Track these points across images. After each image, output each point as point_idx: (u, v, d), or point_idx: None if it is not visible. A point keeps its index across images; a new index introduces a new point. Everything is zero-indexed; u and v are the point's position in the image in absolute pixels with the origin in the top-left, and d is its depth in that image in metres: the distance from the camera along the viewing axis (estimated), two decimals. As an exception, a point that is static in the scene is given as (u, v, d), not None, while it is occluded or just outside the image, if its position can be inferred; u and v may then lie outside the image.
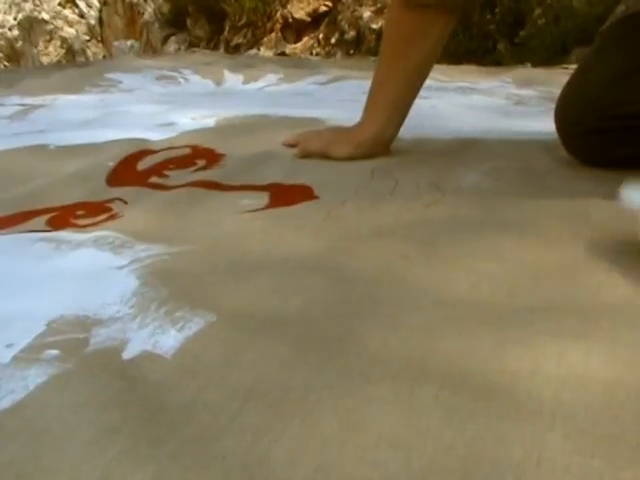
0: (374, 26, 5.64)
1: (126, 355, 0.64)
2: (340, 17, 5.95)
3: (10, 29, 8.77)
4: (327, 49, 5.95)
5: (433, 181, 1.09)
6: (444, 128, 1.42)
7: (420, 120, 1.55)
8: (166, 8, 7.08)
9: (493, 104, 1.85)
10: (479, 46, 3.83)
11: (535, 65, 3.04)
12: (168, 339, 0.66)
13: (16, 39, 8.70)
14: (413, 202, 1.00)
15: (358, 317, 0.69)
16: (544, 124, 1.32)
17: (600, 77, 1.13)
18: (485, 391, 0.57)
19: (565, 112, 1.17)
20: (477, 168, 1.16)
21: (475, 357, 0.62)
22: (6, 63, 8.75)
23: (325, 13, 6.14)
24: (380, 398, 0.57)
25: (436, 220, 0.94)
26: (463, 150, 1.28)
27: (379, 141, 1.27)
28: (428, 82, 2.09)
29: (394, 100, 1.28)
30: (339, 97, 1.88)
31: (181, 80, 2.19)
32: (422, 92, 1.93)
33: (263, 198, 1.04)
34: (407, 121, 1.50)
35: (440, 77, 2.16)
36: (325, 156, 1.24)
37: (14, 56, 8.75)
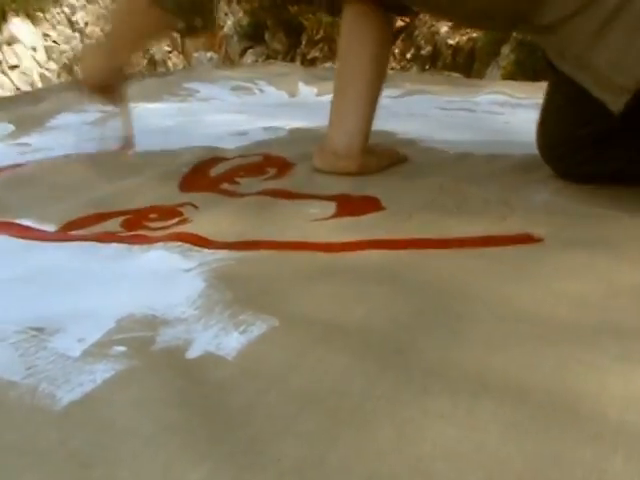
0: (451, 42, 5.62)
1: (190, 355, 0.65)
2: (416, 32, 5.95)
3: (97, 40, 9.05)
4: (403, 64, 5.95)
5: (502, 197, 1.08)
6: (516, 144, 1.40)
7: (492, 136, 1.54)
8: (245, 22, 7.22)
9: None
10: (557, 63, 3.77)
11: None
12: (231, 341, 0.67)
13: (101, 49, 8.96)
14: (480, 217, 1.00)
15: (419, 328, 0.69)
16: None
17: (556, 106, 1.22)
18: (546, 409, 0.56)
19: (538, 138, 1.24)
20: (548, 186, 1.14)
21: (537, 374, 0.61)
22: (91, 72, 9.00)
23: (401, 28, 6.15)
24: (438, 410, 0.56)
25: (503, 236, 0.93)
26: (535, 167, 1.26)
27: (331, 152, 1.26)
28: (502, 98, 2.09)
29: (334, 109, 1.28)
30: (411, 111, 1.88)
31: (256, 91, 2.23)
32: (496, 108, 1.93)
33: (330, 208, 1.05)
34: (477, 136, 1.50)
35: (515, 93, 2.13)
36: None
37: (99, 65, 9.00)
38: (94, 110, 1.75)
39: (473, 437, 0.53)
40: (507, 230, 0.95)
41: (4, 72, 9.35)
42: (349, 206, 1.06)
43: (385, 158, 1.30)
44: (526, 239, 0.91)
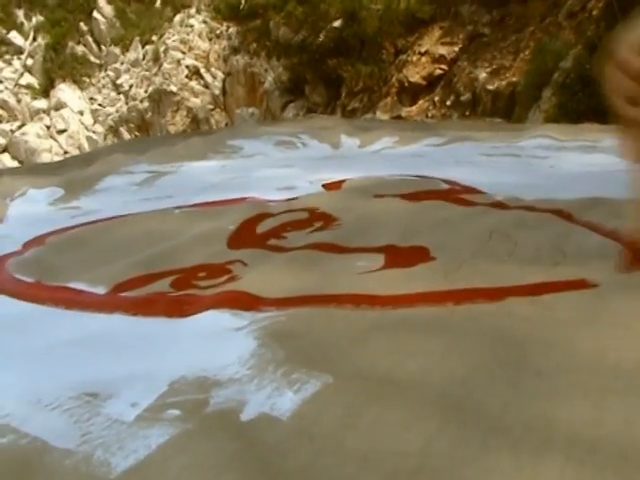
0: (490, 87, 5.64)
1: (244, 417, 0.64)
2: (455, 79, 5.98)
3: (141, 101, 9.33)
4: (443, 111, 5.98)
5: (554, 243, 1.06)
6: (564, 188, 1.38)
7: (539, 180, 1.52)
8: (285, 77, 7.37)
9: (615, 162, 1.79)
10: (599, 103, 3.72)
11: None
12: (285, 401, 0.66)
13: (146, 110, 9.24)
14: (533, 265, 0.97)
15: (477, 382, 0.67)
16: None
17: None
18: (615, 464, 0.54)
19: None
20: (601, 229, 1.12)
21: (604, 427, 0.59)
22: (137, 133, 9.28)
23: (440, 76, 6.19)
24: (500, 469, 0.54)
25: (557, 283, 0.90)
26: (585, 210, 1.24)
27: None
28: (547, 142, 2.07)
29: None
30: (455, 158, 1.87)
31: (299, 145, 2.25)
32: (541, 152, 1.92)
33: (378, 260, 1.04)
34: (524, 180, 1.48)
35: (559, 136, 2.11)
36: None
37: (144, 126, 9.29)
38: (140, 171, 1.78)
39: (541, 497, 0.51)
40: (561, 276, 0.92)
41: (52, 136, 9.65)
42: (398, 257, 1.05)
43: None
44: (581, 284, 0.89)
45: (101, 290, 1.01)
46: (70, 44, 10.21)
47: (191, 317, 0.88)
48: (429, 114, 6.06)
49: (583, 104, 3.56)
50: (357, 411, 0.64)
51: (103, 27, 9.97)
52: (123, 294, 0.99)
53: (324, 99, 6.99)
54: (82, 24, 10.17)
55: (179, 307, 0.92)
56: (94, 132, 9.76)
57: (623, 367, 0.69)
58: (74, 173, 1.93)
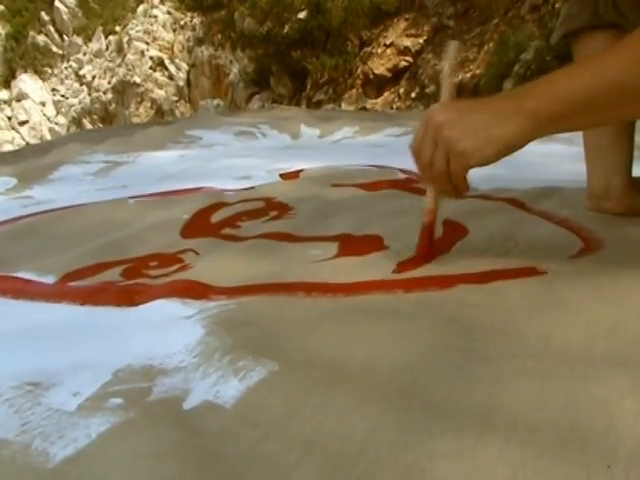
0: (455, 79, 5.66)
1: (187, 405, 0.64)
2: (420, 71, 6.00)
3: (104, 92, 9.21)
4: (408, 103, 5.99)
5: (506, 231, 1.06)
6: (520, 177, 1.39)
7: (495, 170, 1.53)
8: (250, 68, 7.33)
9: (573, 152, 1.81)
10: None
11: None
12: (229, 389, 0.65)
13: (110, 102, 9.13)
14: (485, 252, 0.98)
15: (423, 368, 0.67)
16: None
17: None
18: (554, 448, 0.54)
19: None
20: (553, 217, 1.13)
21: (545, 412, 0.59)
22: (100, 125, 9.17)
23: (405, 68, 6.21)
24: (442, 453, 0.54)
25: (507, 270, 0.91)
26: (539, 198, 1.25)
27: (592, 194, 1.17)
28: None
29: (587, 146, 1.18)
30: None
31: (259, 135, 2.24)
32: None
33: (332, 248, 1.04)
34: (482, 171, 1.48)
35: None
36: None
37: (107, 117, 9.18)
38: (96, 161, 1.76)
39: (479, 479, 0.51)
40: (512, 264, 0.93)
41: (14, 128, 9.50)
42: (351, 246, 1.05)
43: None
44: (531, 272, 0.89)
45: (50, 279, 1.00)
46: (31, 34, 10.07)
47: (140, 306, 0.87)
48: (394, 106, 6.08)
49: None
50: (302, 398, 0.63)
51: (65, 17, 9.84)
52: (72, 283, 0.98)
53: (289, 91, 6.97)
54: (43, 13, 10.03)
55: (128, 296, 0.91)
56: (57, 124, 9.64)
57: (568, 352, 0.69)
58: (28, 162, 1.90)
